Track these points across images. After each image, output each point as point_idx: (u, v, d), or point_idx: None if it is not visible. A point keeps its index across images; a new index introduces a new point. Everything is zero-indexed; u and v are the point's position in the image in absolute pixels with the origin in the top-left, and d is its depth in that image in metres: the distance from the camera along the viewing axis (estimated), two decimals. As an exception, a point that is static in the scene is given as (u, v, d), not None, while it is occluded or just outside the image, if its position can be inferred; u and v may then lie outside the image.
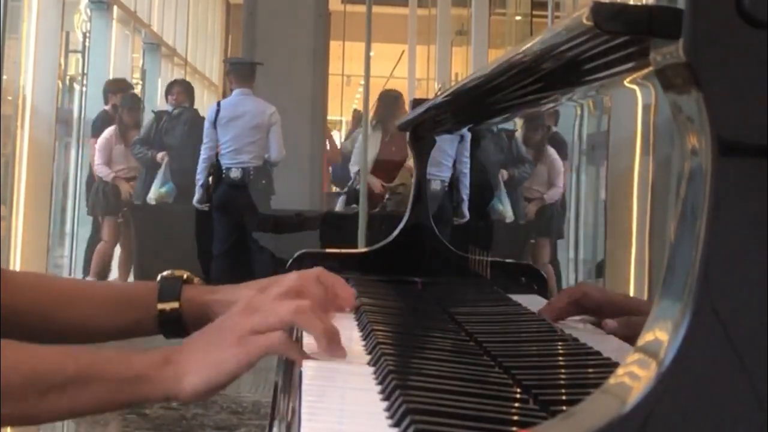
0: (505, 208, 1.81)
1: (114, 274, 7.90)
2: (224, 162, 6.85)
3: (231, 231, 6.89)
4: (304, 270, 1.29)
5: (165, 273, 1.31)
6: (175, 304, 1.27)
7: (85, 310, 1.29)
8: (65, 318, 1.28)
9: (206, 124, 6.97)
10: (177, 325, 1.27)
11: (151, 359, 1.01)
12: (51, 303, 1.28)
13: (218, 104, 7.05)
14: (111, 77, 8.78)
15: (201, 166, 6.97)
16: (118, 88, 8.14)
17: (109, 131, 7.83)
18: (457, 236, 1.98)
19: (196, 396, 1.01)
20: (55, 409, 1.01)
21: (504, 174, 1.82)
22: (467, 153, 2.07)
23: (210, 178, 7.01)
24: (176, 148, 7.57)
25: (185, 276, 1.31)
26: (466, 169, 2.07)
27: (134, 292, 1.33)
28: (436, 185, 2.17)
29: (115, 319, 1.29)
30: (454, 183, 2.14)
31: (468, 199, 2.06)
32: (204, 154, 6.99)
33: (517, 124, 1.73)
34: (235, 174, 6.81)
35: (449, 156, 2.14)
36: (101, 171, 7.78)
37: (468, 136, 2.03)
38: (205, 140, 6.97)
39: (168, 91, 7.99)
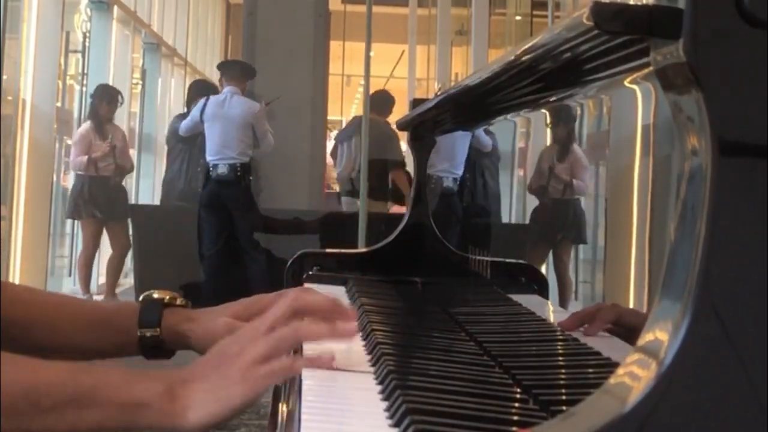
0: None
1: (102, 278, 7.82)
2: (210, 158, 6.85)
3: (221, 230, 6.86)
4: (284, 291, 1.30)
5: (148, 293, 1.31)
6: (155, 331, 1.27)
7: (67, 329, 1.28)
8: (47, 335, 1.27)
9: (195, 112, 7.02)
10: (158, 350, 1.27)
11: (155, 390, 1.00)
12: (40, 316, 1.28)
13: (207, 98, 7.06)
14: (111, 77, 8.75)
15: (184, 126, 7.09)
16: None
17: (86, 127, 7.66)
18: (465, 236, 1.98)
19: (200, 429, 1.00)
20: (53, 428, 0.99)
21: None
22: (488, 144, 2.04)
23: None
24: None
25: (167, 299, 1.29)
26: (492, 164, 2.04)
27: (116, 315, 1.31)
28: (448, 182, 2.16)
29: (97, 341, 1.28)
30: (465, 181, 2.13)
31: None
32: (185, 124, 7.10)
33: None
34: (222, 170, 6.81)
35: (462, 153, 2.13)
36: (78, 164, 7.52)
37: (480, 131, 2.02)
38: (188, 119, 7.06)
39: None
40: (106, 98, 7.70)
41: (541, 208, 1.65)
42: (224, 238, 6.83)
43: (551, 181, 1.57)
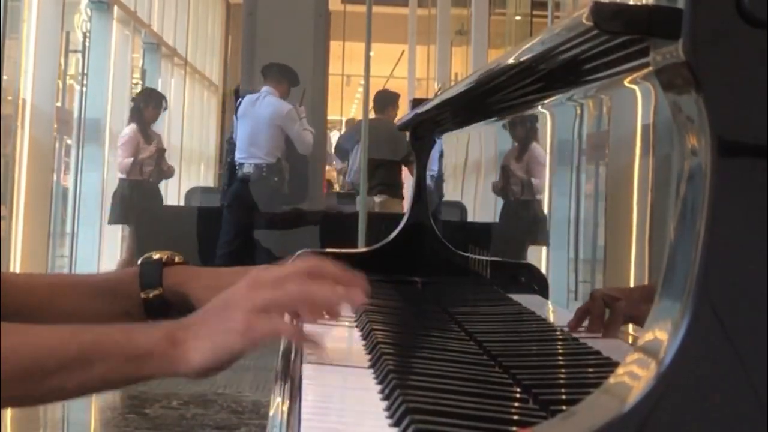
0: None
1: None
2: (238, 157, 6.84)
3: (239, 231, 6.84)
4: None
5: (147, 255, 1.31)
6: (158, 291, 1.27)
7: (70, 305, 1.29)
8: (51, 317, 1.28)
9: (233, 118, 7.06)
10: (163, 310, 1.28)
11: (156, 337, 1.01)
12: (37, 301, 1.28)
13: (243, 97, 7.08)
14: (111, 77, 8.77)
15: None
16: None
17: (132, 129, 7.73)
18: (448, 232, 1.98)
19: (200, 374, 1.01)
20: (61, 388, 1.01)
21: None
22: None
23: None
24: None
25: (164, 258, 1.30)
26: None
27: (117, 281, 1.32)
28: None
29: (101, 311, 1.29)
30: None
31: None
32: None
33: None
34: (247, 169, 6.80)
35: (436, 150, 2.16)
36: (125, 166, 7.59)
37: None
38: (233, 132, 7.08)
39: None
40: (152, 102, 7.79)
41: (504, 209, 1.67)
42: (241, 239, 6.82)
43: (510, 180, 1.59)
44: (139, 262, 1.30)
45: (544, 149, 1.46)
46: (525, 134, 1.55)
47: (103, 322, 1.30)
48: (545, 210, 1.41)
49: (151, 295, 1.27)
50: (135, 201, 7.63)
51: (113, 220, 7.91)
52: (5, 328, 1.01)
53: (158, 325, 1.03)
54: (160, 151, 7.76)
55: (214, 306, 1.05)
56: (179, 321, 1.04)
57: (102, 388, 1.05)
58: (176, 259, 1.30)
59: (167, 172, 8.05)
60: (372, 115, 7.75)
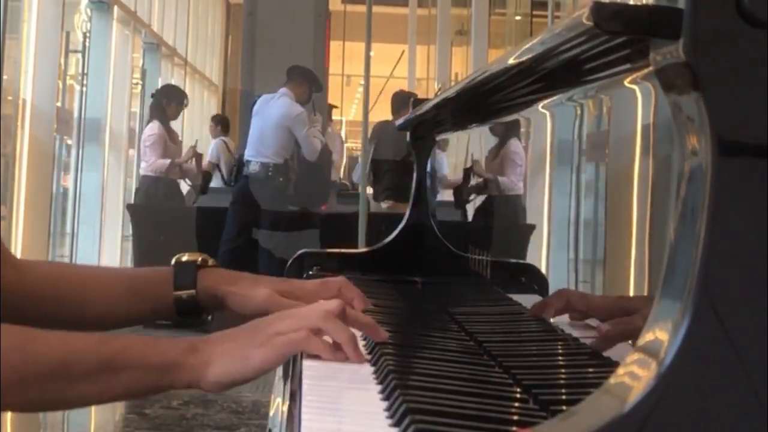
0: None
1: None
2: (246, 154, 6.84)
3: (243, 228, 6.84)
4: (327, 279, 1.33)
5: (179, 256, 1.32)
6: (191, 292, 1.29)
7: (102, 297, 1.31)
8: (83, 306, 1.30)
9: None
10: (194, 311, 1.29)
11: (180, 347, 1.03)
12: (70, 291, 1.30)
13: (258, 97, 7.08)
14: (111, 77, 8.76)
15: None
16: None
17: (157, 126, 7.63)
18: (446, 229, 1.99)
19: (217, 386, 1.02)
20: (86, 394, 1.02)
21: None
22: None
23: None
24: None
25: (199, 260, 1.31)
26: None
27: (150, 279, 1.34)
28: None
29: (132, 307, 1.32)
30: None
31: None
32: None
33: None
34: (253, 167, 6.79)
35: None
36: (158, 166, 7.49)
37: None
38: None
39: None
40: (175, 99, 7.72)
41: (481, 206, 1.67)
42: (245, 237, 6.81)
43: (471, 182, 1.59)
44: (172, 263, 1.32)
45: (543, 149, 1.46)
46: (504, 131, 1.55)
47: (132, 318, 1.32)
48: (545, 209, 1.41)
49: (184, 296, 1.29)
50: (160, 199, 7.59)
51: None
52: (33, 333, 1.02)
53: (185, 338, 1.05)
54: (197, 155, 7.75)
55: (240, 328, 1.07)
56: (205, 336, 1.06)
57: (124, 397, 1.07)
58: (210, 263, 1.33)
59: (208, 177, 8.07)
60: (390, 117, 7.73)
